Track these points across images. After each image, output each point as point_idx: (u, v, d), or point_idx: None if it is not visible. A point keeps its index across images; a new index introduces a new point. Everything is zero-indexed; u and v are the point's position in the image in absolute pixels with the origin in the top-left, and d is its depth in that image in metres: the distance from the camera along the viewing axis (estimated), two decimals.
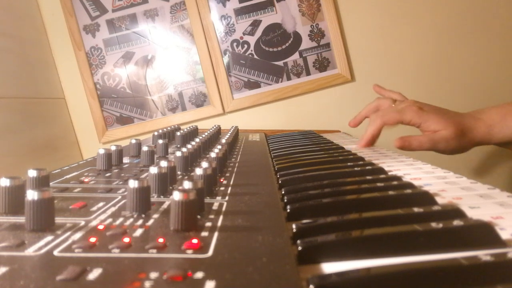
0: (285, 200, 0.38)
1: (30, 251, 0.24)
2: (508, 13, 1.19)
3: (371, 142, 0.73)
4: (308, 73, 1.20)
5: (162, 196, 0.37)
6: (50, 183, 0.38)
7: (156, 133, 0.76)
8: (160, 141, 0.61)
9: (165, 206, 0.34)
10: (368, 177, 0.45)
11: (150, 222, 0.30)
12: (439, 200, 0.36)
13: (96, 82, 1.22)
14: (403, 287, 0.21)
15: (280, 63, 1.21)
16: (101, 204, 0.34)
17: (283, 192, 0.40)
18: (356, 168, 0.51)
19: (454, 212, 0.31)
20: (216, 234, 0.27)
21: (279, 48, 1.20)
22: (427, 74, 1.21)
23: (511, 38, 1.19)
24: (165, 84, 1.22)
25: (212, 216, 0.31)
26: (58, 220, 0.29)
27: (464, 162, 1.20)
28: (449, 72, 1.20)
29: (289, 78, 1.21)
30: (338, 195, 0.38)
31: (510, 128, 0.68)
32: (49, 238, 0.26)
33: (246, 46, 1.21)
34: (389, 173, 0.48)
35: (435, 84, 1.20)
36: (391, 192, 0.37)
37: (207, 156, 0.50)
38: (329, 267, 0.25)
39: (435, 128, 0.68)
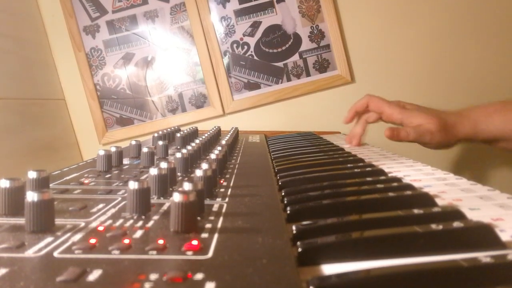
0: (285, 202, 0.38)
1: (30, 252, 0.24)
2: (508, 15, 1.19)
3: (352, 119, 0.81)
4: (308, 74, 1.20)
5: (162, 198, 0.37)
6: (50, 185, 0.38)
7: (156, 135, 0.76)
8: (160, 143, 0.61)
9: (165, 207, 0.34)
10: (368, 179, 0.45)
11: (150, 223, 0.30)
12: (439, 201, 0.36)
13: (96, 83, 1.22)
14: None
15: (280, 64, 1.21)
16: (101, 205, 0.34)
17: (283, 194, 0.40)
18: (356, 170, 0.51)
19: (454, 213, 0.31)
20: (216, 236, 0.27)
21: (279, 49, 1.20)
22: (427, 75, 1.21)
23: (511, 40, 1.19)
24: (165, 85, 1.22)
25: (212, 218, 0.31)
26: (58, 221, 0.29)
27: (464, 163, 1.20)
28: (449, 74, 1.20)
29: (289, 79, 1.21)
30: (338, 196, 0.38)
31: (495, 125, 0.70)
32: (49, 239, 0.26)
33: (246, 47, 1.21)
34: (389, 175, 0.48)
35: (435, 85, 1.20)
36: (391, 194, 0.37)
37: (207, 157, 0.50)
38: (329, 269, 0.25)
39: (418, 122, 0.71)
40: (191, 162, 0.50)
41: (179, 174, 0.47)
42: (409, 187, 0.40)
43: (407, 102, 0.78)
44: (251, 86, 1.21)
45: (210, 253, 0.24)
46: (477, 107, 0.73)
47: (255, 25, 1.20)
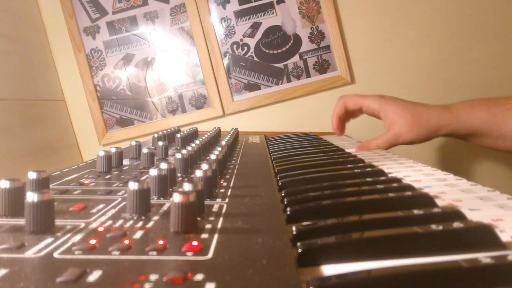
0: (285, 202, 0.37)
1: (30, 253, 0.24)
2: (508, 15, 1.19)
3: (340, 125, 0.81)
4: (308, 75, 1.20)
5: (162, 198, 0.37)
6: (50, 185, 0.38)
7: (156, 135, 0.76)
8: (160, 143, 0.61)
9: (165, 208, 0.34)
10: (368, 179, 0.45)
11: (150, 224, 0.30)
12: (439, 202, 0.36)
13: (96, 84, 1.22)
14: None
15: (280, 65, 1.21)
16: (101, 206, 0.34)
17: (283, 194, 0.40)
18: (356, 170, 0.51)
19: (454, 214, 0.31)
20: (216, 236, 0.27)
21: (279, 50, 1.21)
22: (427, 76, 1.21)
23: (511, 40, 1.20)
24: (165, 86, 1.22)
25: (212, 218, 0.31)
26: (58, 222, 0.29)
27: (464, 164, 1.20)
28: (449, 74, 1.20)
29: (289, 80, 1.21)
30: (338, 197, 0.38)
31: (477, 118, 0.70)
32: (49, 240, 0.26)
33: (246, 48, 1.21)
34: (389, 175, 0.48)
35: (435, 86, 1.20)
36: (391, 194, 0.37)
37: (207, 158, 0.50)
38: (329, 269, 0.25)
39: (392, 116, 0.72)
40: (191, 163, 0.50)
41: (179, 174, 0.47)
42: (409, 187, 0.40)
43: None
44: (251, 87, 1.21)
45: (210, 254, 0.24)
46: (460, 101, 0.73)
47: (255, 26, 1.20)
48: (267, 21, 1.20)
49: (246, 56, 1.21)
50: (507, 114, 0.69)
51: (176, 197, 0.27)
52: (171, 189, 0.40)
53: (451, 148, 1.17)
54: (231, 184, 0.43)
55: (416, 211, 0.31)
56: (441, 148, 1.19)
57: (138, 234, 0.27)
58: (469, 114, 0.70)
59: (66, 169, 0.51)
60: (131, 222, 0.30)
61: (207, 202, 0.35)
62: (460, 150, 1.17)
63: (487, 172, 1.21)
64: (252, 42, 1.21)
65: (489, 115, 0.69)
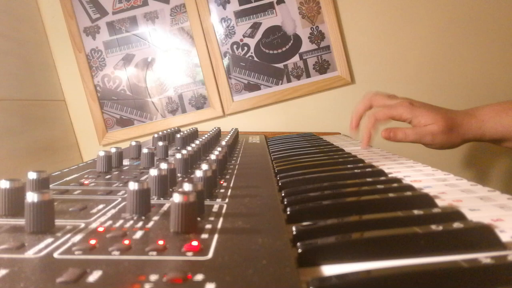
0: (285, 202, 0.38)
1: (30, 253, 0.24)
2: (508, 15, 1.19)
3: (370, 141, 0.74)
4: (308, 76, 1.20)
5: (162, 198, 0.37)
6: (50, 185, 0.38)
7: (156, 135, 0.76)
8: (160, 143, 0.61)
9: (165, 208, 0.34)
10: (368, 179, 0.45)
11: (150, 224, 0.30)
12: (439, 202, 0.36)
13: (96, 84, 1.22)
14: None
15: (280, 65, 1.21)
16: (101, 206, 0.34)
17: (283, 194, 0.40)
18: (356, 170, 0.51)
19: (454, 214, 0.31)
20: (216, 236, 0.27)
21: (279, 51, 1.21)
22: (427, 76, 1.21)
23: (511, 40, 1.20)
24: (165, 86, 1.22)
25: (212, 218, 0.31)
26: (58, 222, 0.29)
27: (465, 164, 1.20)
28: (449, 74, 1.20)
29: (289, 80, 1.21)
30: (338, 197, 0.38)
31: (503, 125, 0.69)
32: (49, 240, 0.26)
33: (246, 48, 1.21)
34: (389, 175, 0.48)
35: (435, 86, 1.20)
36: (391, 194, 0.37)
37: (207, 158, 0.50)
38: (329, 270, 0.25)
39: (426, 122, 0.69)
40: (191, 163, 0.50)
41: (179, 175, 0.47)
42: (409, 188, 0.40)
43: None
44: (251, 87, 1.21)
45: (210, 254, 0.24)
46: (485, 106, 0.71)
47: (255, 26, 1.20)
48: (267, 21, 1.20)
49: (246, 56, 1.21)
50: None
51: (176, 197, 0.27)
52: (171, 189, 0.40)
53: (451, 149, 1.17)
54: (231, 184, 0.43)
55: (416, 211, 0.31)
56: None
57: (138, 234, 0.27)
58: (494, 120, 0.69)
59: (66, 169, 0.51)
60: (131, 222, 0.30)
61: (207, 202, 0.35)
62: (460, 151, 1.17)
63: (487, 172, 1.21)
64: (252, 42, 1.21)
65: None
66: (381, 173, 0.49)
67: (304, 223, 0.31)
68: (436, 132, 0.68)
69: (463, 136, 0.70)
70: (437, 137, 0.68)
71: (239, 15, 1.20)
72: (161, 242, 0.26)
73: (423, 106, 0.71)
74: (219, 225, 0.29)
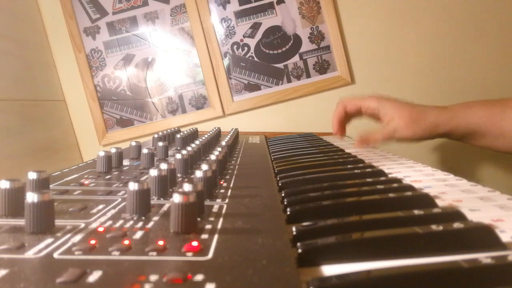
0: (285, 203, 0.38)
1: (30, 253, 0.24)
2: (508, 15, 1.19)
3: (341, 128, 0.80)
4: (308, 76, 1.20)
5: (162, 199, 0.37)
6: (50, 186, 0.38)
7: (156, 136, 0.76)
8: (160, 144, 0.61)
9: (165, 208, 0.34)
10: (368, 180, 0.45)
11: (150, 224, 0.30)
12: (439, 202, 0.36)
13: (97, 84, 1.22)
14: None
15: (280, 65, 1.21)
16: (101, 206, 0.34)
17: (283, 195, 0.40)
18: (356, 171, 0.51)
19: (454, 214, 0.31)
20: (216, 237, 0.27)
21: (279, 51, 1.21)
22: (427, 76, 1.21)
23: (511, 41, 1.20)
24: (165, 87, 1.22)
25: (212, 219, 0.31)
26: (58, 222, 0.29)
27: (465, 164, 1.20)
28: (449, 75, 1.20)
29: (289, 81, 1.21)
30: (338, 197, 0.38)
31: (476, 117, 0.70)
32: (49, 240, 0.26)
33: (246, 48, 1.21)
34: (389, 176, 0.48)
35: (435, 87, 1.20)
36: (391, 195, 0.37)
37: (207, 158, 0.50)
38: (330, 270, 0.25)
39: (391, 114, 0.73)
40: (191, 163, 0.50)
41: (179, 175, 0.47)
42: (409, 188, 0.40)
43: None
44: (251, 87, 1.21)
45: (210, 254, 0.24)
46: (460, 103, 0.74)
47: (255, 27, 1.20)
48: (267, 21, 1.20)
49: (246, 56, 1.21)
50: (506, 112, 0.68)
51: (176, 198, 0.27)
52: (171, 190, 0.40)
53: (451, 149, 1.17)
54: (231, 185, 0.43)
55: (416, 212, 0.31)
56: (441, 149, 1.19)
57: (138, 234, 0.27)
58: (467, 112, 0.71)
59: (66, 170, 0.51)
60: (131, 222, 0.30)
61: (207, 202, 0.35)
62: (460, 151, 1.17)
63: (487, 172, 1.21)
64: (252, 42, 1.21)
65: (488, 113, 0.69)
66: (381, 173, 0.49)
67: (304, 223, 0.31)
68: (399, 126, 0.72)
69: (431, 127, 0.72)
70: (403, 131, 0.72)
71: (239, 15, 1.20)
72: (161, 243, 0.26)
73: (391, 98, 0.76)
74: (219, 226, 0.29)
